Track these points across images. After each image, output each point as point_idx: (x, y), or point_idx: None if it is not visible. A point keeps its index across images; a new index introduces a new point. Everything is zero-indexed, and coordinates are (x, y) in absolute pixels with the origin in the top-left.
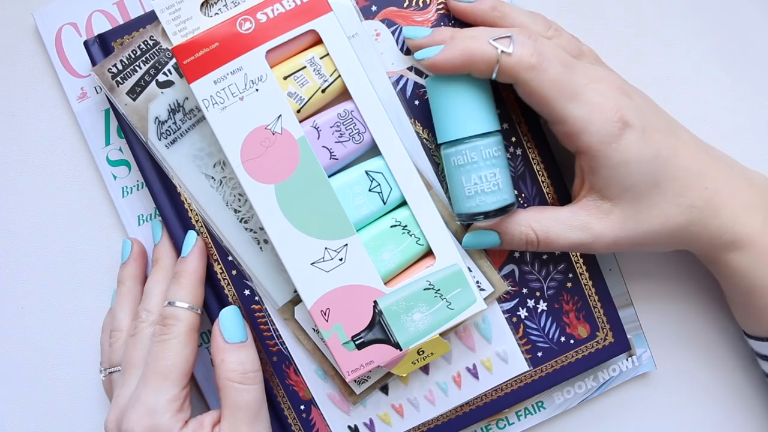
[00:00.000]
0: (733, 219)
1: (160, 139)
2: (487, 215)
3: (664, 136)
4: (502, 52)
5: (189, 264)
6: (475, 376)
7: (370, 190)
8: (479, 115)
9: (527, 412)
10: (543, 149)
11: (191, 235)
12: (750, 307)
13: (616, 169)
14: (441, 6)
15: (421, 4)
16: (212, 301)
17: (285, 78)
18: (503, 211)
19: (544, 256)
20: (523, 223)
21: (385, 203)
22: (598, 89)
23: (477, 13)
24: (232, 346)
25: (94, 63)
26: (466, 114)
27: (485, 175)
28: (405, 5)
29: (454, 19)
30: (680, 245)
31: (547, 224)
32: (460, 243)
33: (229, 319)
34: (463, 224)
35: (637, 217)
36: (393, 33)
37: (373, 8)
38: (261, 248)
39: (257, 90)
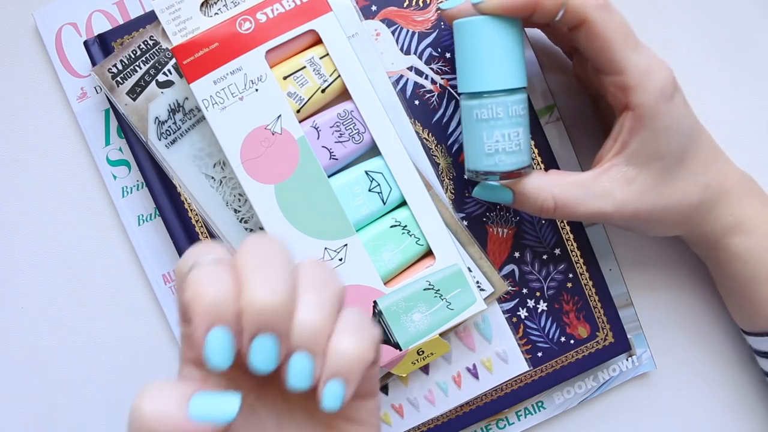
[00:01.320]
0: (739, 202)
1: (160, 139)
2: (501, 175)
3: (689, 106)
4: None
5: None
6: (475, 376)
7: (369, 190)
8: (510, 68)
9: (527, 412)
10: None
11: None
12: (750, 297)
13: (659, 133)
14: None
15: (421, 4)
16: None
17: (285, 78)
18: (518, 173)
19: (544, 257)
20: (543, 187)
21: (384, 203)
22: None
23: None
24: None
25: (94, 63)
26: (496, 65)
27: (508, 133)
28: (405, 5)
29: None
30: (685, 227)
31: (567, 190)
32: (460, 243)
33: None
34: (471, 180)
35: (659, 189)
36: (393, 33)
37: (373, 8)
38: None
39: (257, 90)
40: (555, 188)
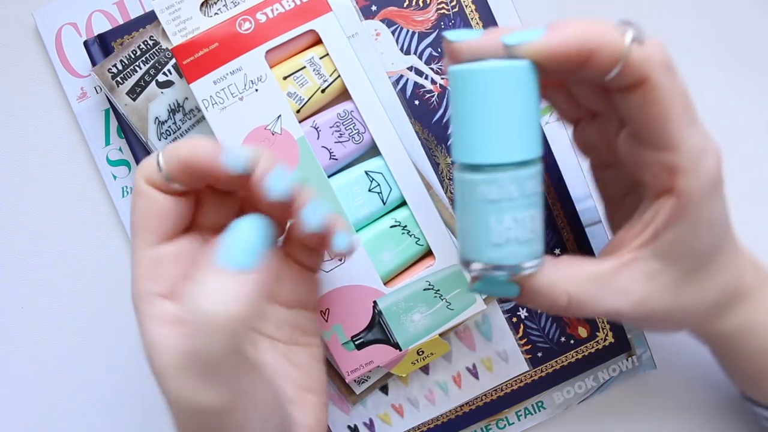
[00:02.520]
0: (750, 300)
1: (160, 139)
2: (510, 270)
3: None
4: (634, 39)
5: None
6: (475, 376)
7: (369, 191)
8: (528, 133)
9: (527, 412)
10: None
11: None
12: (759, 385)
13: (699, 228)
14: (441, 6)
15: (421, 4)
16: None
17: (284, 78)
18: (529, 269)
19: None
20: (558, 286)
21: (384, 203)
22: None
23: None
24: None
25: (94, 63)
26: (511, 130)
27: (522, 218)
28: (405, 5)
29: (455, 19)
30: (694, 327)
31: (584, 287)
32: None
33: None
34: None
35: (679, 289)
36: (393, 33)
37: (373, 8)
38: None
39: (257, 90)
40: (570, 284)
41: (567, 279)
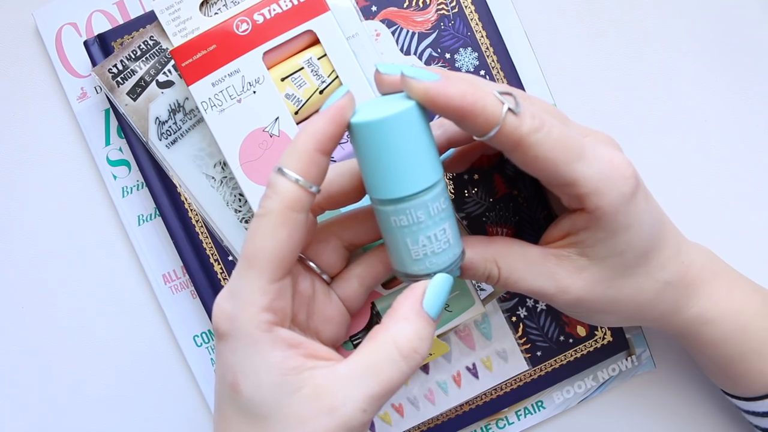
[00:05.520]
0: (701, 293)
1: (160, 139)
2: (432, 276)
3: (653, 198)
4: (509, 109)
5: (315, 123)
6: (475, 375)
7: None
8: (426, 164)
9: (527, 411)
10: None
11: (341, 90)
12: (728, 374)
13: (617, 234)
14: (441, 6)
15: (421, 5)
16: (211, 300)
17: (282, 80)
18: (448, 270)
19: None
20: (488, 257)
21: None
22: (598, 142)
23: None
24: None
25: (94, 63)
26: (410, 165)
27: (435, 234)
28: (405, 5)
29: (455, 19)
30: (641, 321)
31: (513, 263)
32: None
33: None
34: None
35: (609, 283)
36: (393, 33)
37: (373, 8)
38: None
39: (254, 92)
40: (500, 260)
41: (497, 252)
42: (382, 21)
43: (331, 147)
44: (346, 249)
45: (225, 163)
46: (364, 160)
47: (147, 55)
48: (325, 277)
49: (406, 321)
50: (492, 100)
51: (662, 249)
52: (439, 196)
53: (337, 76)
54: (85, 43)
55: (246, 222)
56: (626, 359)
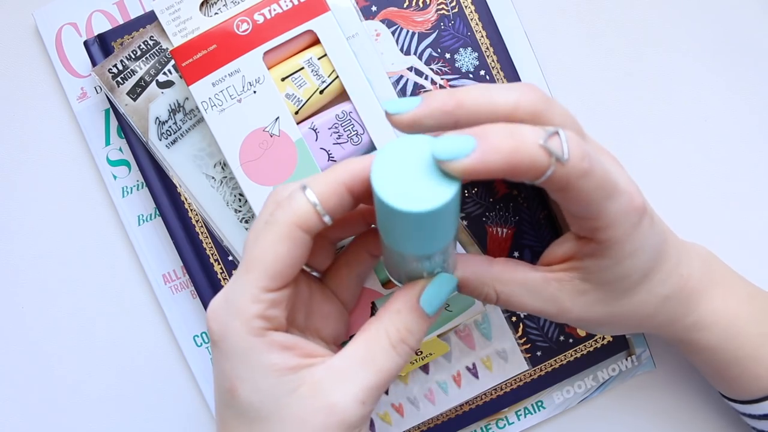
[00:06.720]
0: (698, 302)
1: (160, 139)
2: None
3: (657, 217)
4: (557, 160)
5: (360, 163)
6: (475, 375)
7: None
8: (448, 230)
9: (527, 411)
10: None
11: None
12: (724, 377)
13: (622, 260)
14: (441, 6)
15: (421, 5)
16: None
17: (282, 79)
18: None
19: None
20: (486, 282)
21: None
22: (617, 170)
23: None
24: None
25: (94, 63)
26: (437, 235)
27: (437, 261)
28: (405, 5)
29: (455, 19)
30: (640, 329)
31: (512, 289)
32: (460, 243)
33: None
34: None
35: (611, 303)
36: (393, 33)
37: (373, 8)
38: None
39: (255, 92)
40: (498, 284)
41: (496, 278)
42: (382, 21)
43: (360, 191)
44: (332, 244)
45: (225, 163)
46: (388, 225)
47: (147, 55)
48: (315, 274)
49: (398, 313)
50: (537, 152)
51: (663, 264)
52: (449, 248)
53: (337, 76)
54: (85, 43)
55: (246, 222)
56: (626, 359)
